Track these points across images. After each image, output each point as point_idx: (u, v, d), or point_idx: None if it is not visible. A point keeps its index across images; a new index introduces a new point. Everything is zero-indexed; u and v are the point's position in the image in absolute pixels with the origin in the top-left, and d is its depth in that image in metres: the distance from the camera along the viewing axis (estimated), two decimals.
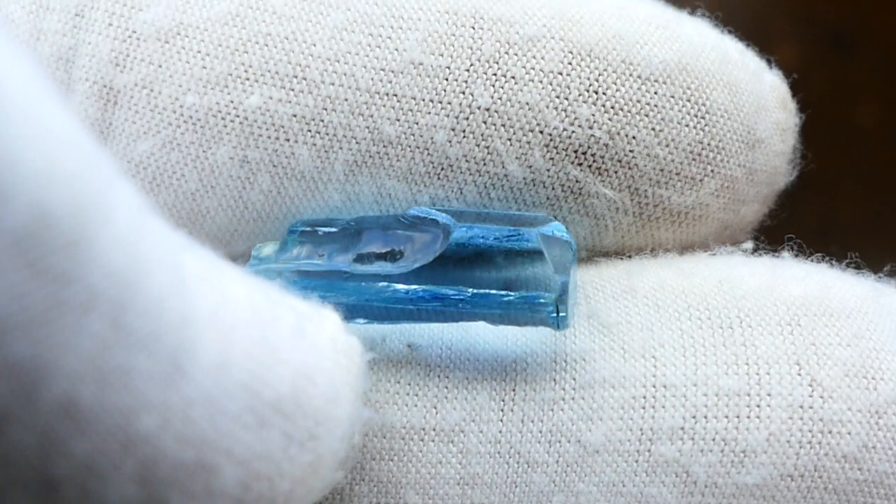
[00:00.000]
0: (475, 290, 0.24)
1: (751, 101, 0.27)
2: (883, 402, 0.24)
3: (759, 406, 0.24)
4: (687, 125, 0.26)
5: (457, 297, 0.24)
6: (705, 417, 0.24)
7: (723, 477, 0.24)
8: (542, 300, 0.24)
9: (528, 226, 0.25)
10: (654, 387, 0.25)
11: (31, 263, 0.16)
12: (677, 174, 0.26)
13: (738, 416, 0.24)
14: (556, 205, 0.26)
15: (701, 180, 0.26)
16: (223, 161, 0.26)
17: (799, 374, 0.25)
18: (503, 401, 0.25)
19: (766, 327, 0.25)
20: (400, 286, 0.24)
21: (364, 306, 0.25)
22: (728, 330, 0.25)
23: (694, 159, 0.26)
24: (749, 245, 0.28)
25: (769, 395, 0.24)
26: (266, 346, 0.20)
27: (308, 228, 0.26)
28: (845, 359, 0.25)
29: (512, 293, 0.24)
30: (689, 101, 0.26)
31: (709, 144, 0.26)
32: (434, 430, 0.25)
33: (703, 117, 0.26)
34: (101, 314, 0.17)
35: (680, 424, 0.24)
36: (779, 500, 0.24)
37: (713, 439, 0.24)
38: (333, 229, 0.26)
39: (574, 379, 0.25)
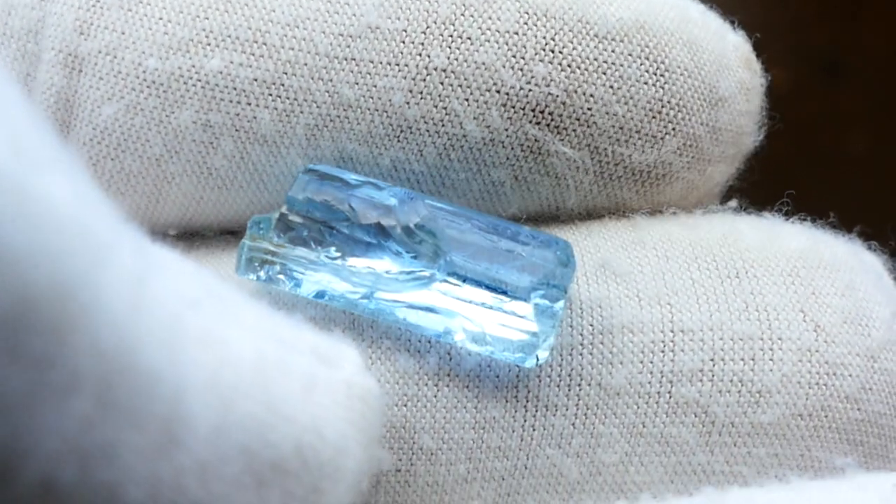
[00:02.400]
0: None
1: (712, 59, 0.27)
2: (877, 346, 0.26)
3: (771, 349, 0.25)
4: (646, 83, 0.26)
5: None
6: (723, 360, 0.25)
7: (740, 416, 0.25)
8: (521, 354, 0.24)
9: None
10: (671, 332, 0.25)
11: (11, 349, 0.16)
12: (637, 132, 0.26)
13: (752, 359, 0.25)
14: (516, 164, 0.26)
15: (662, 138, 0.26)
16: (186, 125, 0.26)
17: (804, 321, 0.26)
18: None
19: (771, 277, 0.26)
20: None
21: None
22: (735, 279, 0.26)
23: (654, 117, 0.26)
24: (733, 203, 0.28)
25: (780, 339, 0.25)
26: (270, 405, 0.19)
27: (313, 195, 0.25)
28: (842, 307, 0.26)
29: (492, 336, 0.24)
30: (647, 59, 0.26)
31: (668, 102, 0.26)
32: (448, 375, 0.25)
33: (662, 75, 0.26)
34: (86, 395, 0.17)
35: (699, 367, 0.25)
36: (790, 439, 0.25)
37: (731, 380, 0.25)
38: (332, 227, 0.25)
39: (591, 325, 0.25)
